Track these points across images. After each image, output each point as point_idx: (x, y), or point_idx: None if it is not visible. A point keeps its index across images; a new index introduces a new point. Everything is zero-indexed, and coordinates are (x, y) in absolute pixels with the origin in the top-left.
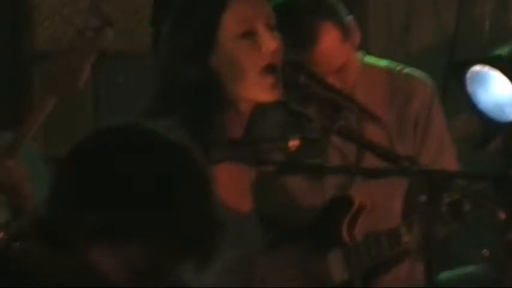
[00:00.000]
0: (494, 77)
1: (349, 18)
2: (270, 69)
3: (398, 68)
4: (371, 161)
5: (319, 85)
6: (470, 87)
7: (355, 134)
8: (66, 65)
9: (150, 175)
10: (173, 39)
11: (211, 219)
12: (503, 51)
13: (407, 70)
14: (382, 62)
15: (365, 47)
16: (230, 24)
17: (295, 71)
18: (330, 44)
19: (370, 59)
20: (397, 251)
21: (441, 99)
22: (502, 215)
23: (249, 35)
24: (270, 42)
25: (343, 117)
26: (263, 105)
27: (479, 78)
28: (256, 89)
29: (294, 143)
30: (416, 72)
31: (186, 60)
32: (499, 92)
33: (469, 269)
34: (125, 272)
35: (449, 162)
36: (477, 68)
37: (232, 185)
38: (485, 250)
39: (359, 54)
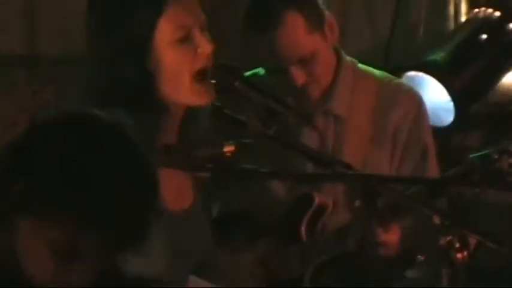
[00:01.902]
0: (429, 83)
1: (328, 15)
2: (202, 73)
3: (390, 78)
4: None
5: (254, 90)
6: None
7: (290, 139)
8: None
9: (78, 154)
10: (106, 41)
11: (142, 205)
12: (437, 56)
13: (397, 82)
14: (377, 72)
15: None
16: (165, 29)
17: (230, 75)
18: (292, 32)
19: (364, 67)
20: (340, 250)
21: None
22: (436, 219)
23: (184, 40)
24: (205, 46)
25: (278, 122)
26: (194, 109)
27: (415, 84)
28: (189, 94)
29: (229, 149)
30: (405, 85)
31: (119, 65)
32: (434, 97)
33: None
34: (48, 252)
35: (432, 169)
36: (412, 73)
37: (168, 183)
38: (419, 256)
39: (351, 60)
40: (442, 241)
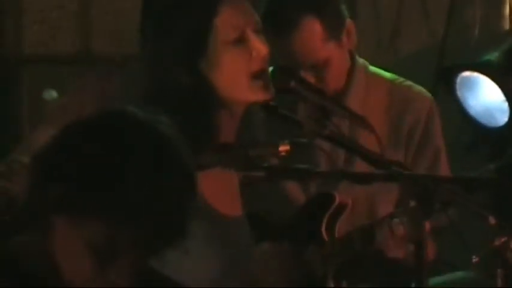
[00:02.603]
0: (483, 83)
1: (348, 21)
2: (259, 74)
3: (400, 80)
4: (361, 166)
5: (309, 90)
6: (460, 93)
7: (345, 139)
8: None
9: (114, 156)
10: (163, 43)
11: (178, 204)
12: (492, 56)
13: (408, 83)
14: (386, 74)
15: (354, 51)
16: (221, 30)
17: (285, 75)
18: (308, 37)
19: (375, 69)
20: (369, 249)
21: None
22: (492, 221)
23: (239, 41)
24: (260, 48)
25: (333, 123)
26: (251, 109)
27: (469, 84)
28: (248, 91)
29: (284, 148)
30: (417, 87)
31: (175, 65)
32: (489, 97)
33: (459, 274)
34: (85, 250)
35: (444, 169)
36: (467, 73)
37: (221, 189)
38: (474, 256)
39: (363, 62)
40: (497, 242)
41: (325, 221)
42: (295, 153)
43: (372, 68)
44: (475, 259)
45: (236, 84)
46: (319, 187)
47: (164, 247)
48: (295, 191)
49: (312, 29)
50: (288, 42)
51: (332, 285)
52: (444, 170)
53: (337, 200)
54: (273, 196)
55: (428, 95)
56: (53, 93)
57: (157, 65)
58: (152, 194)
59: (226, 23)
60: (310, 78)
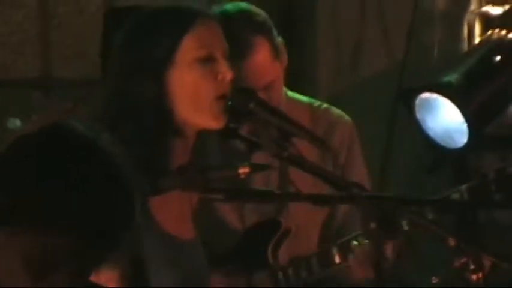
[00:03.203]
0: (443, 104)
1: (279, 39)
2: (221, 98)
3: (318, 103)
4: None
5: (269, 112)
6: (419, 114)
7: (305, 161)
8: None
9: (47, 168)
10: (129, 55)
11: (114, 216)
12: (451, 78)
13: (326, 106)
14: (303, 98)
15: (314, 74)
16: (190, 46)
17: (245, 97)
18: (262, 58)
19: (292, 94)
20: (328, 271)
21: (390, 125)
22: (452, 242)
23: (207, 61)
24: (226, 72)
25: (293, 145)
26: (207, 131)
27: (428, 105)
28: (206, 115)
29: (244, 170)
30: (336, 110)
31: (140, 76)
32: (448, 119)
33: None
34: (20, 262)
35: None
36: (426, 95)
37: (174, 212)
38: (434, 277)
39: (284, 88)
40: (457, 263)
41: (271, 246)
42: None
43: (291, 94)
44: (434, 280)
45: (197, 104)
46: (258, 215)
47: (100, 261)
48: (231, 218)
49: (264, 49)
50: (244, 66)
51: None
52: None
53: (283, 226)
54: (208, 223)
55: (348, 118)
56: (17, 122)
57: (121, 76)
58: (87, 207)
59: (197, 40)
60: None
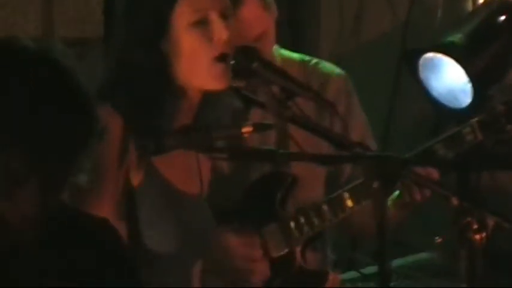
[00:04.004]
0: (446, 64)
1: None
2: (220, 58)
3: (308, 59)
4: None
5: (272, 71)
6: (423, 75)
7: (308, 120)
8: None
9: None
10: (127, 24)
11: (71, 127)
12: (455, 38)
13: (316, 60)
14: (294, 54)
15: (318, 37)
16: (183, 11)
17: (247, 57)
18: (252, 10)
19: (285, 51)
20: (342, 216)
21: (395, 86)
22: (454, 202)
23: (201, 23)
24: (221, 32)
25: (296, 104)
26: (214, 92)
27: (432, 66)
28: (206, 78)
29: (247, 130)
30: (329, 64)
31: (138, 45)
32: (452, 79)
33: (422, 256)
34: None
35: (373, 144)
36: (430, 55)
37: (181, 169)
38: (437, 237)
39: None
40: (460, 223)
41: (278, 197)
42: (258, 135)
43: (283, 51)
44: (438, 239)
45: (195, 69)
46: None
47: (62, 174)
48: (236, 174)
49: (253, 1)
50: (235, 18)
51: (300, 260)
52: (374, 145)
53: (291, 176)
54: (214, 180)
55: (341, 71)
56: None
57: (120, 46)
58: (44, 119)
59: (189, 5)
60: None
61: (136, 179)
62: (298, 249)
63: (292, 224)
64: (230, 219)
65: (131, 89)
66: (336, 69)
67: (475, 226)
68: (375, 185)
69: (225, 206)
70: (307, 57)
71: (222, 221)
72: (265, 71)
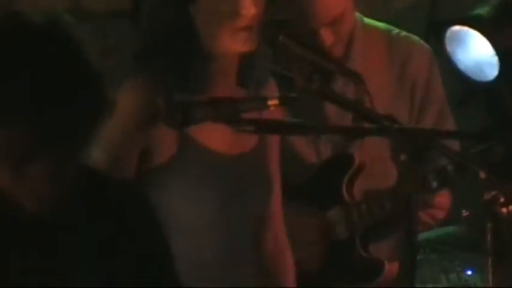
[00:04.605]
0: (473, 37)
1: None
2: (244, 29)
3: (396, 31)
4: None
5: (298, 44)
6: (449, 47)
7: (335, 93)
8: None
9: (7, 49)
10: None
11: (80, 96)
12: (483, 11)
13: (404, 33)
14: (381, 24)
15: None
16: None
17: (274, 30)
18: None
19: (369, 20)
20: (399, 212)
21: None
22: (482, 175)
23: None
24: (249, 8)
25: (323, 77)
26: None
27: (459, 38)
28: (229, 43)
29: (273, 102)
30: (414, 37)
31: (168, 5)
32: (478, 52)
33: (449, 229)
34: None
35: (450, 123)
36: (457, 28)
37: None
38: (464, 210)
39: (359, 14)
40: (487, 196)
41: (345, 181)
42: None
43: (367, 20)
44: (464, 213)
45: (219, 36)
46: (333, 148)
47: (71, 158)
48: (307, 152)
49: None
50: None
51: (359, 248)
52: (452, 125)
53: (357, 160)
54: (284, 156)
55: (427, 45)
56: None
57: (150, 9)
58: (47, 95)
59: None
60: (330, 35)
61: (167, 153)
62: (358, 236)
63: (355, 210)
64: (296, 197)
65: (161, 53)
66: (422, 43)
67: (502, 199)
68: (402, 157)
69: (292, 183)
70: (395, 29)
71: (288, 197)
72: (292, 44)
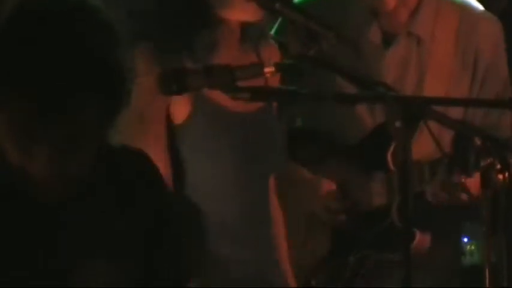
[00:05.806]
0: None
1: None
2: None
3: (471, 6)
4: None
5: (294, 11)
6: None
7: (330, 60)
8: None
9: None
10: None
11: (94, 79)
12: None
13: (480, 9)
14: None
15: None
16: None
17: None
18: None
19: None
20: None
21: None
22: (477, 141)
23: None
24: None
25: (318, 44)
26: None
27: None
28: (239, 11)
29: (269, 70)
30: (488, 13)
31: None
32: None
33: None
34: (10, 137)
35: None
36: None
37: None
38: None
39: None
40: (483, 163)
41: (391, 149)
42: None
43: None
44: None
45: (230, 2)
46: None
47: (82, 135)
48: (363, 115)
49: None
50: None
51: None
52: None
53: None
54: (339, 116)
55: (499, 22)
56: None
57: None
58: (62, 76)
59: None
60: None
61: (185, 111)
62: (395, 205)
63: (394, 178)
64: (343, 156)
65: (167, 19)
66: (492, 16)
67: (498, 166)
68: (397, 124)
69: (344, 141)
70: (471, 4)
71: (336, 154)
72: (288, 10)
